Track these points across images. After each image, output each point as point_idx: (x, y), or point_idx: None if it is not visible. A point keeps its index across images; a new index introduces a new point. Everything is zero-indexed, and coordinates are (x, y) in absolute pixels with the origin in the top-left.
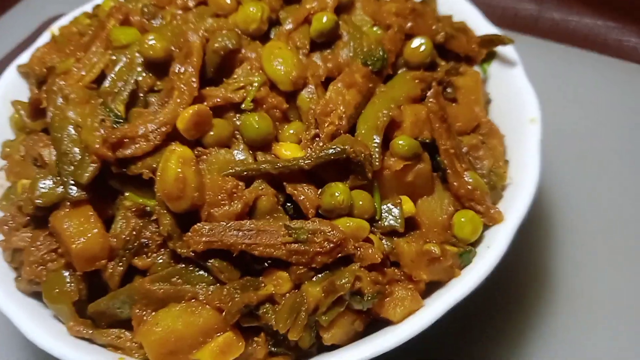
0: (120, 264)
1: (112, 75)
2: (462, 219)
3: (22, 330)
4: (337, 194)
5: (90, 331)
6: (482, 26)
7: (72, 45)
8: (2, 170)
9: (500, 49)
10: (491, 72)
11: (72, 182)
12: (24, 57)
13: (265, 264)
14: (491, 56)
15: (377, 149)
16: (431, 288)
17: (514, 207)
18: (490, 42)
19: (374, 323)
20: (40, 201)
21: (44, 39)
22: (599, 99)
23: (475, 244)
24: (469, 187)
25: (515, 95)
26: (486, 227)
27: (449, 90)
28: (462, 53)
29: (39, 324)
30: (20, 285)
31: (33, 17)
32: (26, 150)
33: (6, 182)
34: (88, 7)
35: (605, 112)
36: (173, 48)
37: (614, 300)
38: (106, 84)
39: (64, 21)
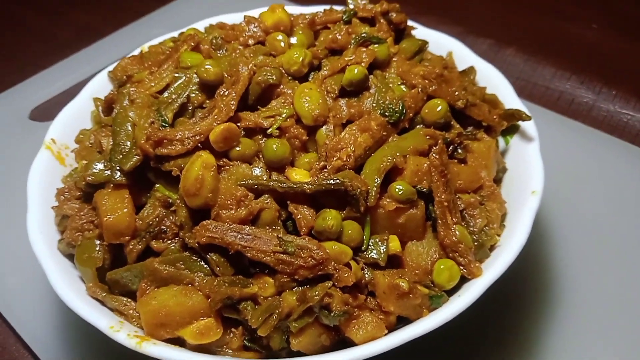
0: (140, 243)
1: (171, 89)
2: (442, 266)
3: (50, 281)
4: (328, 219)
5: (104, 294)
6: (511, 101)
7: (151, 60)
8: (73, 151)
9: (523, 125)
10: (512, 143)
11: (118, 168)
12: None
13: (259, 269)
14: (515, 129)
15: (375, 188)
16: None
17: (494, 265)
18: (511, 115)
19: (342, 343)
20: (90, 179)
21: (134, 53)
22: None
23: (452, 292)
24: (455, 239)
25: (526, 167)
26: (466, 280)
27: (460, 151)
28: (483, 121)
29: (65, 280)
30: (61, 247)
31: (139, 39)
32: (94, 139)
33: (75, 163)
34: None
35: None
36: (226, 75)
37: None
38: (165, 95)
39: (156, 41)
